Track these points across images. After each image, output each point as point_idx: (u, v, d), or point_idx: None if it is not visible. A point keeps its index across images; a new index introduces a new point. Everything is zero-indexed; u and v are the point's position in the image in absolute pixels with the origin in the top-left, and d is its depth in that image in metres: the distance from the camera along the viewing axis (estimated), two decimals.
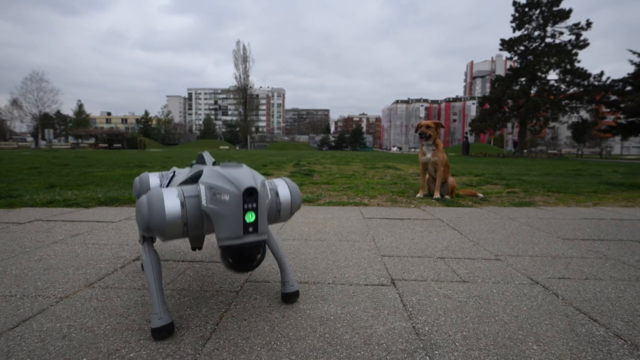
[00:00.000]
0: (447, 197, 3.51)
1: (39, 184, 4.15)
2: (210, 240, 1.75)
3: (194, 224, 0.82)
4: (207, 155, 1.04)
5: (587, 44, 23.48)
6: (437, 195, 3.48)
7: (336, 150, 48.58)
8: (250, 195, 0.78)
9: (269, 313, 0.98)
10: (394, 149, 66.51)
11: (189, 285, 1.16)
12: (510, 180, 5.26)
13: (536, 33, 25.08)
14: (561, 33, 24.42)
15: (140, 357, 0.76)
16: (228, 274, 1.28)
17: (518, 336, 0.89)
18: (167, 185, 1.06)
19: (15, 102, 45.14)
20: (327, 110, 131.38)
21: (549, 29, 24.68)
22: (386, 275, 1.29)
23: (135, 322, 0.91)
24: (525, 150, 27.33)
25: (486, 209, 2.86)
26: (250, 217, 0.78)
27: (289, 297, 1.04)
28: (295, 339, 0.85)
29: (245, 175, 0.80)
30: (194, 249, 1.18)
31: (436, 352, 0.81)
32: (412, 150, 62.53)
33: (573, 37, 23.88)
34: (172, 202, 0.80)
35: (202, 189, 0.81)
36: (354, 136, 58.02)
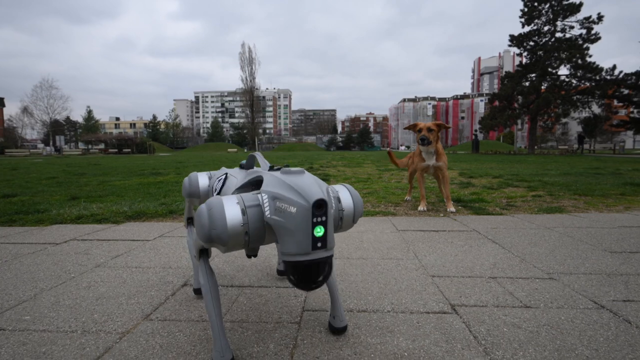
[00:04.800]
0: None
1: (61, 195, 4.19)
2: (252, 260, 1.72)
3: (256, 235, 0.77)
4: (260, 157, 0.99)
5: (599, 38, 23.03)
6: (451, 208, 3.05)
7: (344, 151, 48.45)
8: (320, 207, 0.71)
9: (339, 349, 0.94)
10: (402, 148, 66.05)
11: (247, 316, 1.13)
12: (531, 182, 5.16)
13: (546, 28, 24.68)
14: (572, 27, 23.98)
15: None
16: (282, 300, 1.25)
17: None
18: (221, 189, 1.03)
19: (25, 110, 46.08)
20: (334, 111, 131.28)
21: (559, 23, 24.26)
22: (444, 301, 1.25)
23: None
24: (535, 147, 26.89)
25: (518, 217, 2.79)
26: (319, 231, 0.72)
27: (337, 332, 1.02)
28: None
29: (313, 185, 0.74)
30: (249, 256, 1.15)
31: None
32: None
33: (584, 32, 23.43)
34: (233, 211, 0.75)
35: (264, 198, 0.76)
36: (361, 136, 57.84)
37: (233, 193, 0.93)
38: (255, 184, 0.90)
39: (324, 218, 0.72)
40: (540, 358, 0.91)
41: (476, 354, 0.93)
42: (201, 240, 0.77)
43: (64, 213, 2.94)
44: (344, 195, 0.92)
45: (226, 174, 1.07)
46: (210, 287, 0.87)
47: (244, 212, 0.75)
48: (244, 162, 1.07)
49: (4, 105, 46.06)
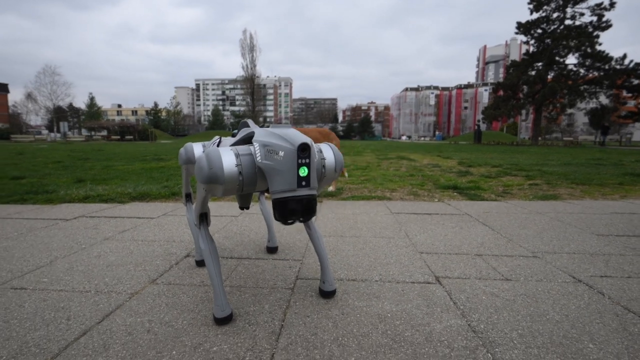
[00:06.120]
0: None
1: (67, 178, 4.30)
2: (250, 236, 1.81)
3: (249, 179, 0.88)
4: (251, 122, 1.11)
5: (610, 26, 22.46)
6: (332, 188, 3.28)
7: (345, 140, 48.28)
8: (304, 150, 0.83)
9: (328, 310, 1.03)
10: (404, 138, 65.59)
11: (244, 282, 1.23)
12: (530, 172, 5.20)
13: (555, 15, 24.06)
14: (582, 14, 23.37)
15: (222, 351, 0.83)
16: (277, 270, 1.34)
17: (572, 335, 0.93)
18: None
19: (29, 96, 46.08)
20: (335, 99, 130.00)
21: (568, 10, 23.63)
22: (429, 273, 1.33)
23: (207, 318, 0.97)
24: (539, 138, 26.65)
25: (512, 202, 2.85)
26: (303, 172, 0.84)
27: (327, 295, 1.11)
28: (360, 336, 0.90)
29: (298, 134, 0.87)
30: (241, 208, 1.25)
31: (497, 349, 0.86)
32: (422, 138, 61.64)
33: (594, 19, 22.84)
34: (228, 155, 0.87)
35: (256, 147, 0.88)
36: (362, 125, 57.47)
37: None
38: (247, 141, 1.00)
39: (307, 160, 0.84)
40: (513, 321, 1.00)
41: (454, 317, 1.01)
42: (201, 181, 0.87)
43: (72, 193, 3.04)
44: (325, 148, 1.05)
45: (220, 137, 1.18)
46: (210, 250, 0.96)
47: (237, 156, 0.87)
48: (235, 131, 1.15)
49: (8, 92, 46.11)
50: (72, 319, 0.96)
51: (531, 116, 27.58)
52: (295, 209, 0.84)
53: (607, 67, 22.44)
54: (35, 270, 1.30)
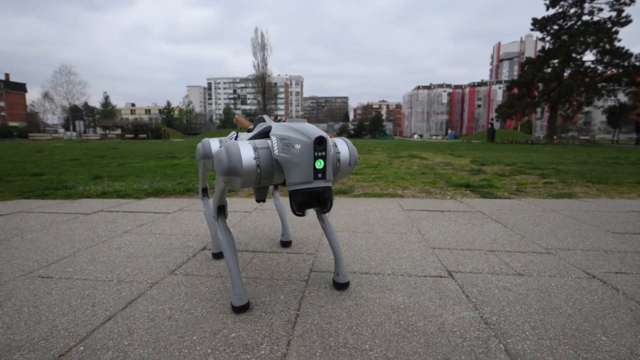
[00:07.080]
0: None
1: (85, 175, 4.44)
2: (264, 231, 1.85)
3: (266, 172, 0.91)
4: (267, 118, 1.14)
5: (630, 21, 21.72)
6: None
7: (356, 138, 48.11)
8: (320, 144, 0.85)
9: (342, 301, 1.06)
10: (415, 137, 64.92)
11: (260, 274, 1.26)
12: (544, 170, 5.10)
13: (572, 10, 23.40)
14: (600, 10, 22.67)
15: (240, 337, 0.87)
16: (292, 263, 1.37)
17: (585, 328, 0.93)
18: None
19: (46, 95, 47.54)
20: (346, 98, 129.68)
21: (586, 5, 22.94)
22: (442, 268, 1.34)
23: (225, 307, 1.01)
24: (555, 137, 26.00)
25: (525, 200, 2.82)
26: (319, 164, 0.86)
27: (341, 287, 1.13)
28: (374, 325, 0.92)
29: (314, 127, 0.90)
30: (258, 201, 1.27)
31: (509, 340, 0.87)
32: (434, 137, 60.91)
33: (614, 14, 22.12)
34: (247, 148, 0.89)
35: (273, 140, 0.91)
36: (373, 124, 57.08)
37: None
38: (264, 135, 1.02)
39: (323, 153, 0.86)
40: (525, 314, 1.00)
41: (466, 309, 1.02)
42: (220, 173, 0.90)
43: (90, 189, 3.15)
44: (340, 143, 1.08)
45: (237, 132, 1.21)
46: (228, 242, 1.00)
47: (255, 150, 0.90)
48: (251, 127, 1.18)
49: (26, 91, 47.65)
50: (97, 305, 1.01)
51: (546, 114, 26.94)
52: (311, 201, 0.87)
53: (626, 63, 21.74)
54: (60, 261, 1.37)
